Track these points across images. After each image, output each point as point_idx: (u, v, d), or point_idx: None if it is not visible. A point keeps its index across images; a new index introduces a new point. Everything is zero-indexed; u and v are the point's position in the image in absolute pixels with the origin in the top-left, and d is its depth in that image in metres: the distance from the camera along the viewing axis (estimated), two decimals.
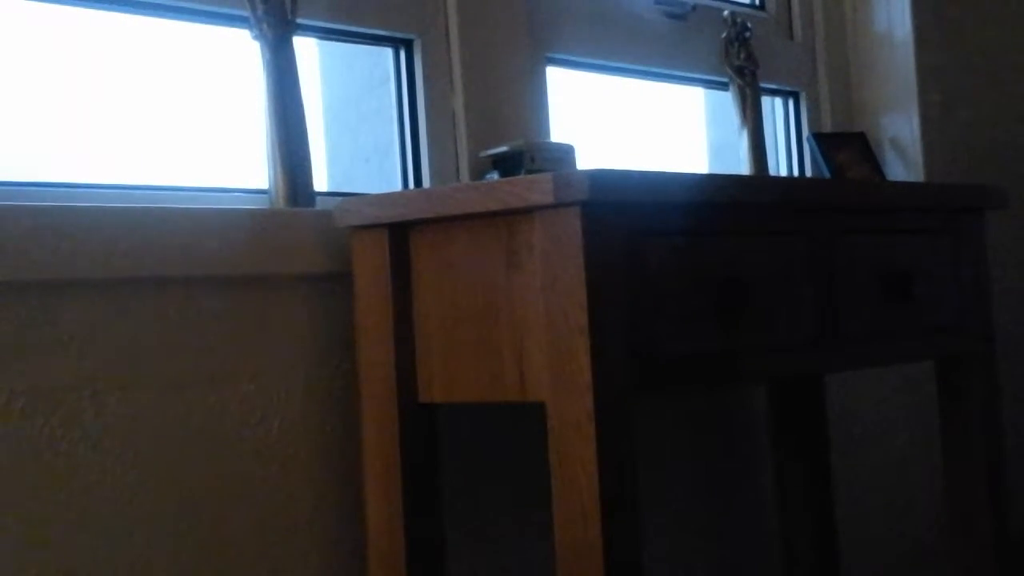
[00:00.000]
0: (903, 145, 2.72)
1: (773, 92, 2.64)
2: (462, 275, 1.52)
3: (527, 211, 1.44)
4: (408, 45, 1.94)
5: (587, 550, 1.39)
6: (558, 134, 2.12)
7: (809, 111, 2.68)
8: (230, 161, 1.81)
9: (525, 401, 1.47)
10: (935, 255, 1.92)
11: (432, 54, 1.95)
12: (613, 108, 2.44)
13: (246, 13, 1.67)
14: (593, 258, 1.39)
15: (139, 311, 1.49)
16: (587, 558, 1.39)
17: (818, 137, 2.59)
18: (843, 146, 2.60)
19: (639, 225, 1.46)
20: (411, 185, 1.94)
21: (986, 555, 1.98)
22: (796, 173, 2.67)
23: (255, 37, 1.67)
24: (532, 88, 2.05)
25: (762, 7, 2.67)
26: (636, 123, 2.50)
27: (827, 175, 2.54)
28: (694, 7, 2.44)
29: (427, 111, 1.94)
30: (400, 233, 1.57)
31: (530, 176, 1.44)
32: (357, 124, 1.98)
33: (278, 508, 1.60)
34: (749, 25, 2.44)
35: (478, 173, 1.94)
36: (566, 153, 1.91)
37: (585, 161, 2.03)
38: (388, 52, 1.95)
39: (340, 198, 1.69)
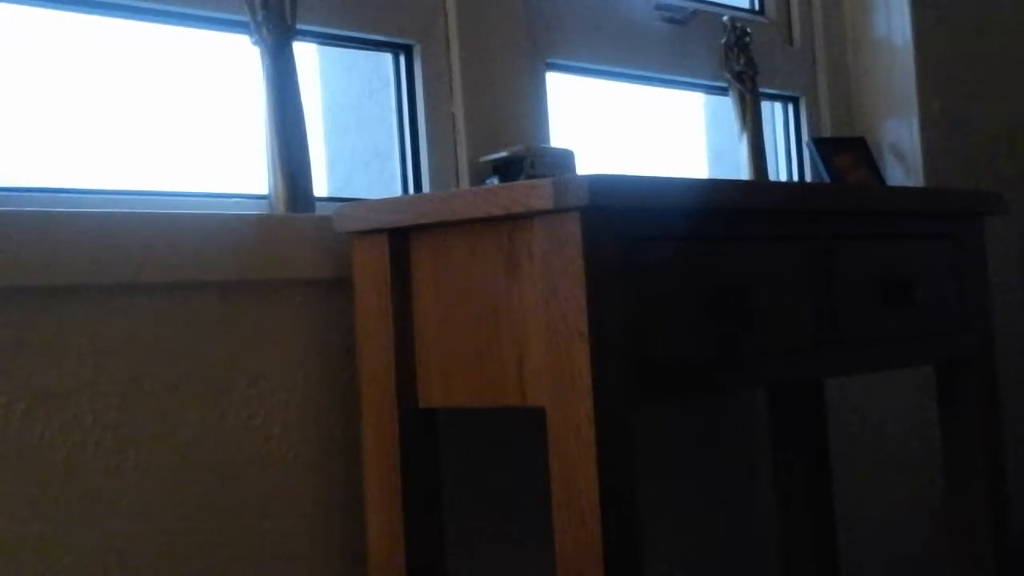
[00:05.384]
0: (903, 150, 2.72)
1: (773, 97, 2.64)
2: (462, 280, 1.52)
3: (527, 216, 1.44)
4: (408, 50, 1.95)
5: (587, 554, 1.39)
6: (558, 139, 2.12)
7: (809, 116, 2.68)
8: (230, 166, 1.81)
9: (525, 406, 1.47)
10: (935, 260, 1.92)
11: (432, 59, 1.95)
12: (613, 113, 2.44)
13: (246, 19, 1.67)
14: (593, 263, 1.39)
15: (139, 316, 1.49)
16: (587, 562, 1.39)
17: (818, 142, 2.59)
18: (843, 151, 2.61)
19: (639, 230, 1.46)
20: (411, 190, 1.94)
21: (986, 555, 1.98)
22: (796, 178, 2.67)
23: (255, 42, 1.67)
24: (532, 93, 2.05)
25: (762, 12, 2.67)
26: (636, 128, 2.50)
27: (827, 180, 2.54)
28: (694, 12, 2.44)
29: (427, 116, 1.94)
30: (400, 238, 1.57)
31: (530, 181, 1.44)
32: (357, 129, 1.98)
33: (278, 512, 1.60)
34: (749, 30, 2.44)
35: (478, 178, 1.94)
36: (566, 158, 1.91)
37: (585, 166, 2.04)
38: (388, 57, 1.95)
39: (340, 203, 1.69)
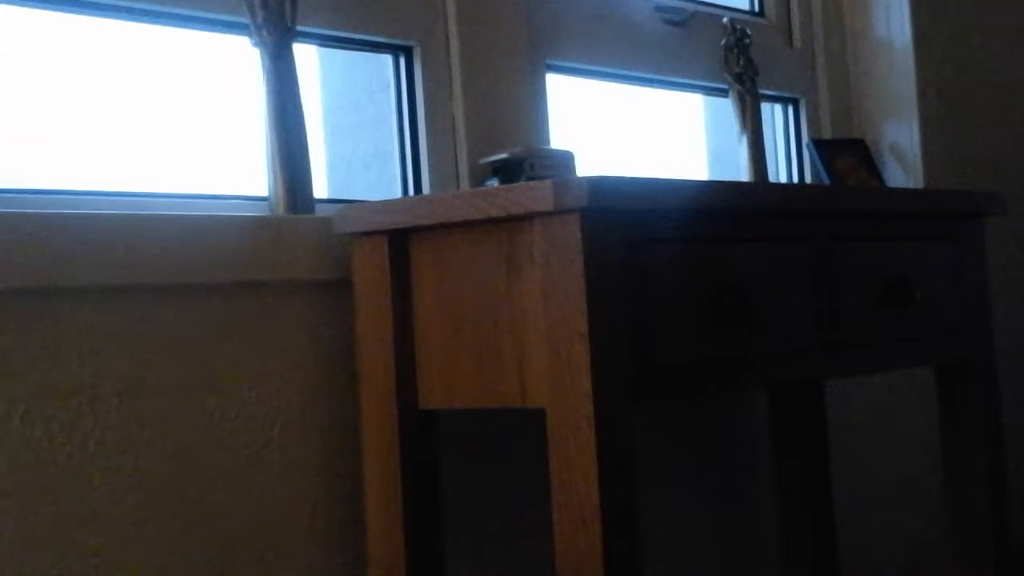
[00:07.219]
0: (903, 151, 2.72)
1: (773, 99, 2.64)
2: (462, 281, 1.52)
3: (527, 218, 1.44)
4: (408, 52, 1.95)
5: (587, 555, 1.39)
6: (558, 141, 2.12)
7: (809, 117, 2.68)
8: (230, 168, 1.82)
9: (525, 407, 1.48)
10: (935, 261, 1.92)
11: (432, 61, 1.95)
12: (613, 115, 2.44)
13: (246, 20, 1.67)
14: (593, 264, 1.40)
15: (139, 317, 1.50)
16: (587, 563, 1.39)
17: (818, 144, 2.59)
18: (843, 152, 2.61)
19: (639, 232, 1.46)
20: (411, 192, 1.94)
21: (986, 556, 1.98)
22: (796, 180, 2.67)
23: (255, 44, 1.67)
24: (532, 95, 2.05)
25: (761, 14, 2.67)
26: (636, 130, 2.50)
27: (827, 181, 2.55)
28: (693, 14, 2.45)
29: (427, 118, 1.94)
30: (400, 240, 1.57)
31: (530, 183, 1.44)
32: (357, 131, 1.99)
33: (278, 514, 1.60)
34: (748, 32, 2.44)
35: (478, 180, 1.94)
36: (566, 160, 1.91)
37: (585, 168, 2.04)
38: (388, 59, 1.96)
39: (340, 205, 1.69)
